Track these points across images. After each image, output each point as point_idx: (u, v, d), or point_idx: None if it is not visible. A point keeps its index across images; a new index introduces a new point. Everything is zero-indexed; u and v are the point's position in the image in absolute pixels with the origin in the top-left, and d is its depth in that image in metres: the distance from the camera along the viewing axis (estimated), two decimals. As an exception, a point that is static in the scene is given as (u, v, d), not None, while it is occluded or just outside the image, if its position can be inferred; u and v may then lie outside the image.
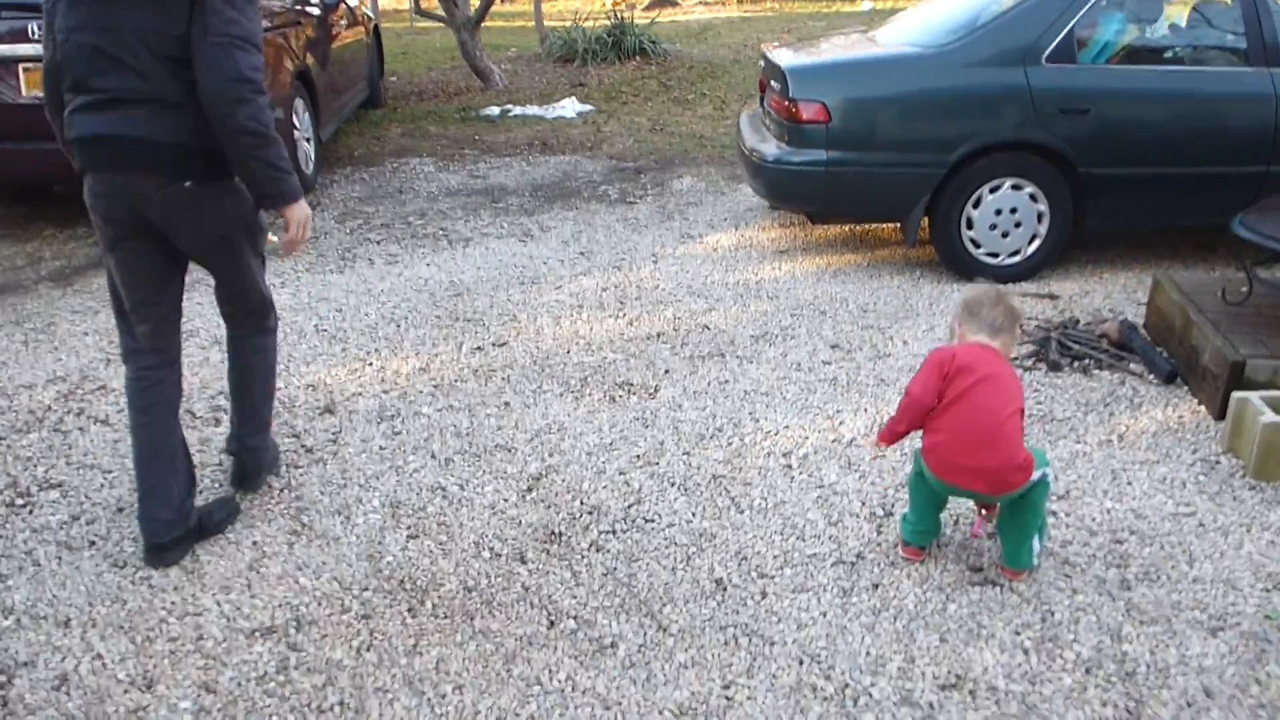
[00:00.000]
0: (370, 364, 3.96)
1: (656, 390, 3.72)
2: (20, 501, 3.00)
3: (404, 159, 7.52)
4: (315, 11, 7.23)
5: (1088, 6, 4.56)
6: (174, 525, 2.68)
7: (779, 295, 4.69)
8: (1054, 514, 2.89)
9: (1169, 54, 4.81)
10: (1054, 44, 4.54)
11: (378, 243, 5.54)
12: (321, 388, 3.76)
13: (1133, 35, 4.78)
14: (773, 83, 5.05)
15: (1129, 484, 3.07)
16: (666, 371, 3.88)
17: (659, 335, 4.23)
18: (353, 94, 8.30)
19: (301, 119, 6.51)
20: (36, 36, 5.27)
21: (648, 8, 19.11)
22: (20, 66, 5.27)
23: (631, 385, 3.76)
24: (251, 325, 2.90)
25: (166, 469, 2.69)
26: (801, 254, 5.30)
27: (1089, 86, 4.57)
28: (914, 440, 2.68)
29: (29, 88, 5.29)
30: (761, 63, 5.49)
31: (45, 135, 5.32)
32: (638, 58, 11.87)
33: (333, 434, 3.41)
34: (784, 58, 5.05)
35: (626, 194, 6.52)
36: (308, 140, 6.65)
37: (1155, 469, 3.15)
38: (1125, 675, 2.26)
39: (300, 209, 2.61)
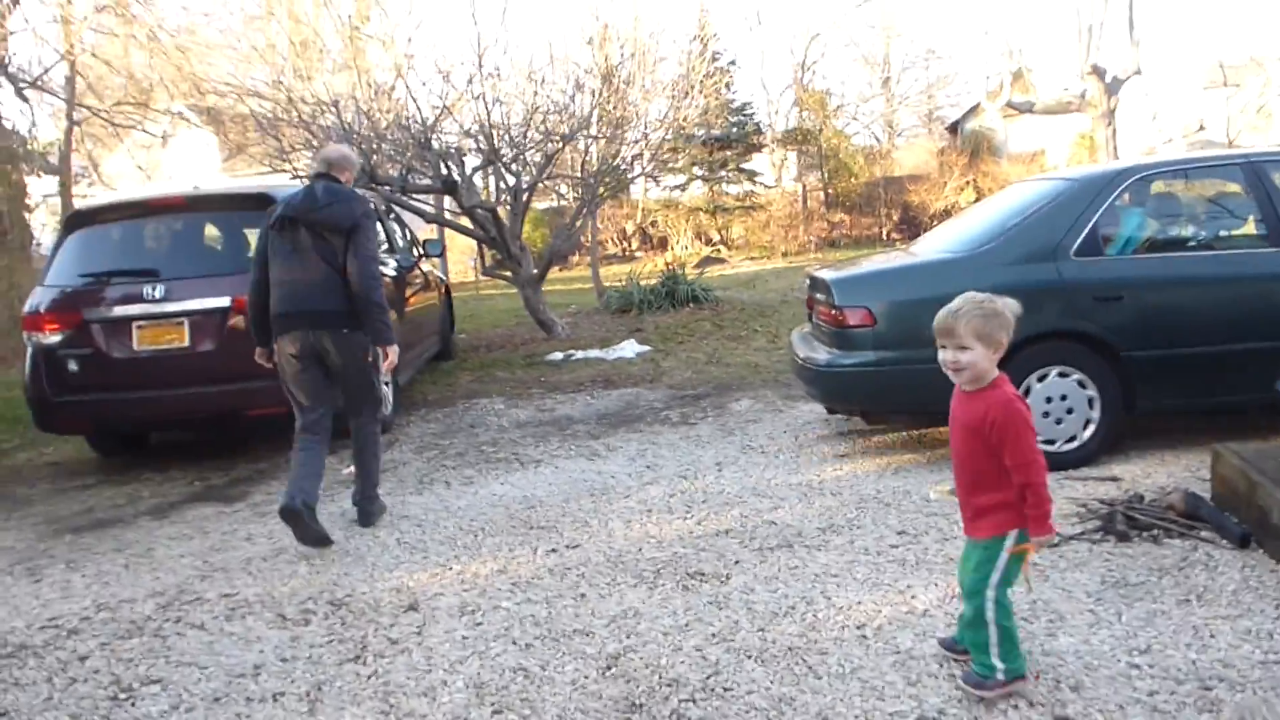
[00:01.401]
0: (451, 568, 4.11)
1: (728, 578, 3.80)
2: (123, 695, 3.13)
3: (475, 400, 7.95)
4: (393, 272, 7.93)
5: (1107, 205, 4.92)
6: (311, 511, 4.36)
7: (842, 492, 4.80)
8: (1137, 666, 2.86)
9: (1193, 241, 5.11)
10: (1079, 240, 4.86)
11: (453, 468, 5.82)
12: (405, 590, 3.90)
13: (1154, 228, 5.10)
14: (818, 296, 5.42)
15: (1212, 637, 3.03)
16: (737, 562, 3.97)
17: (727, 531, 4.34)
18: (427, 346, 8.89)
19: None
20: (149, 297, 5.87)
21: (696, 265, 20.30)
22: (134, 324, 5.85)
23: (703, 574, 3.85)
24: (367, 419, 4.77)
25: (315, 477, 4.46)
26: (861, 456, 5.44)
27: (1119, 276, 4.85)
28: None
29: (140, 342, 5.85)
30: (806, 282, 5.89)
31: (153, 385, 5.83)
32: (691, 304, 12.58)
33: (417, 628, 3.52)
34: (827, 273, 5.44)
35: (688, 416, 6.79)
36: (386, 385, 7.11)
37: (1238, 623, 3.12)
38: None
39: (395, 347, 4.65)
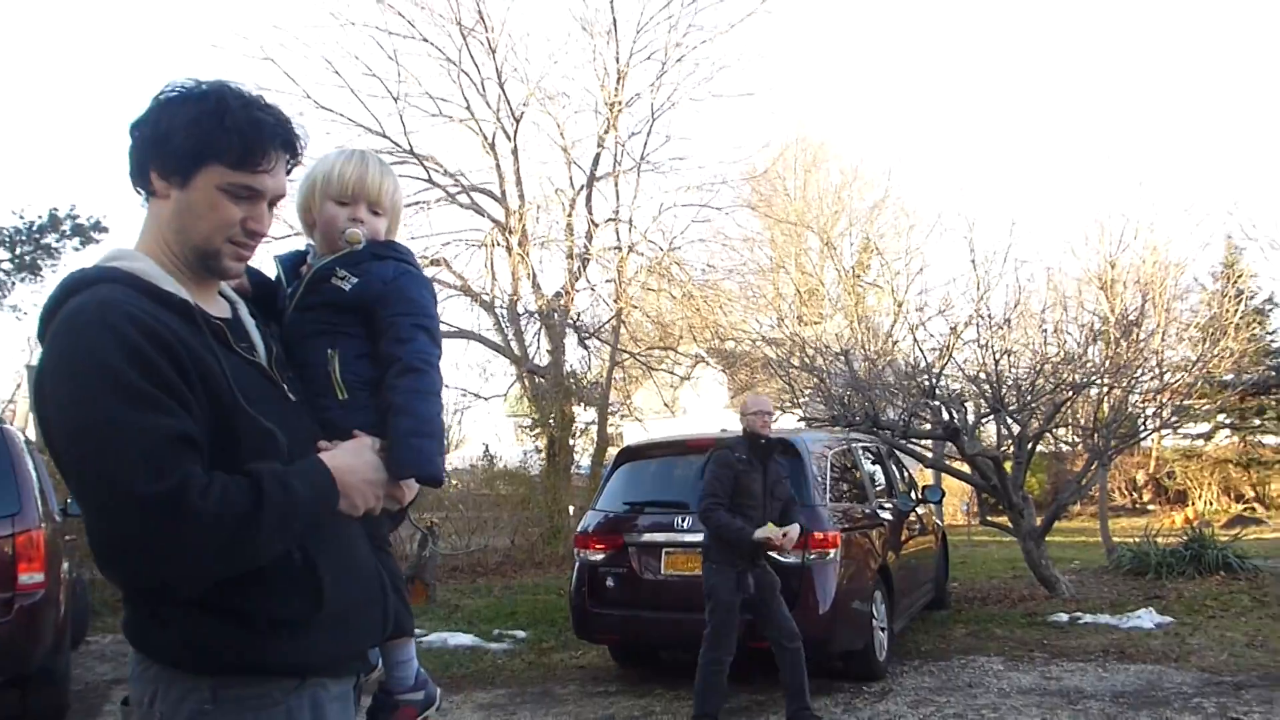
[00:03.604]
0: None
1: None
2: None
3: (971, 656, 7.59)
4: (890, 516, 8.04)
5: None
6: None
7: None
8: None
9: None
10: None
11: (951, 730, 5.58)
12: None
13: None
14: None
15: None
16: None
17: None
18: (922, 592, 8.75)
19: (879, 609, 7.03)
20: (677, 527, 6.56)
21: (1225, 525, 17.83)
22: (664, 550, 6.54)
23: None
24: None
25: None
26: None
27: None
28: None
29: (667, 568, 6.51)
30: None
31: (674, 607, 6.38)
32: (1222, 572, 11.01)
33: None
34: None
35: (1227, 709, 5.88)
36: (882, 630, 7.10)
37: None
38: None
39: None
